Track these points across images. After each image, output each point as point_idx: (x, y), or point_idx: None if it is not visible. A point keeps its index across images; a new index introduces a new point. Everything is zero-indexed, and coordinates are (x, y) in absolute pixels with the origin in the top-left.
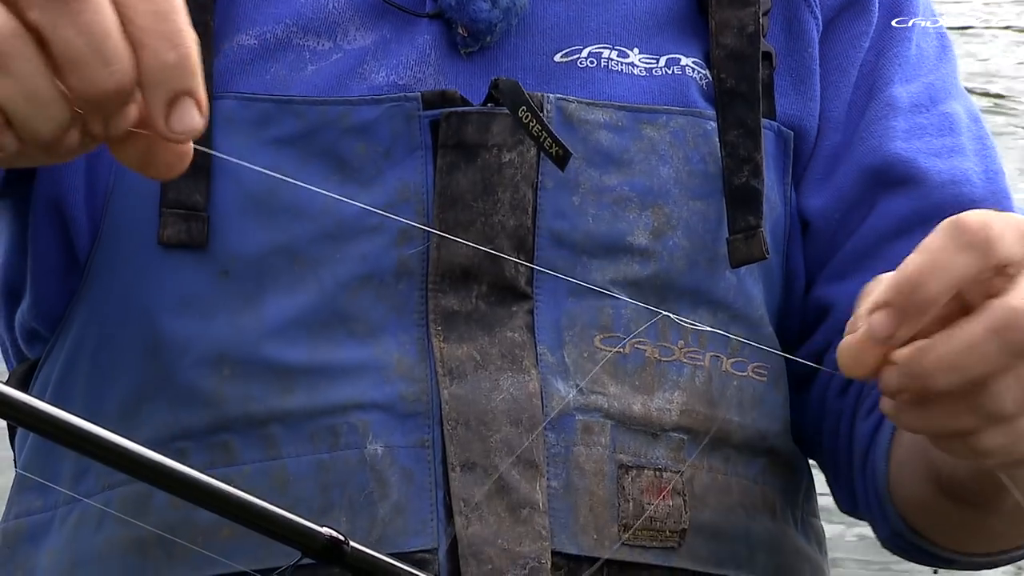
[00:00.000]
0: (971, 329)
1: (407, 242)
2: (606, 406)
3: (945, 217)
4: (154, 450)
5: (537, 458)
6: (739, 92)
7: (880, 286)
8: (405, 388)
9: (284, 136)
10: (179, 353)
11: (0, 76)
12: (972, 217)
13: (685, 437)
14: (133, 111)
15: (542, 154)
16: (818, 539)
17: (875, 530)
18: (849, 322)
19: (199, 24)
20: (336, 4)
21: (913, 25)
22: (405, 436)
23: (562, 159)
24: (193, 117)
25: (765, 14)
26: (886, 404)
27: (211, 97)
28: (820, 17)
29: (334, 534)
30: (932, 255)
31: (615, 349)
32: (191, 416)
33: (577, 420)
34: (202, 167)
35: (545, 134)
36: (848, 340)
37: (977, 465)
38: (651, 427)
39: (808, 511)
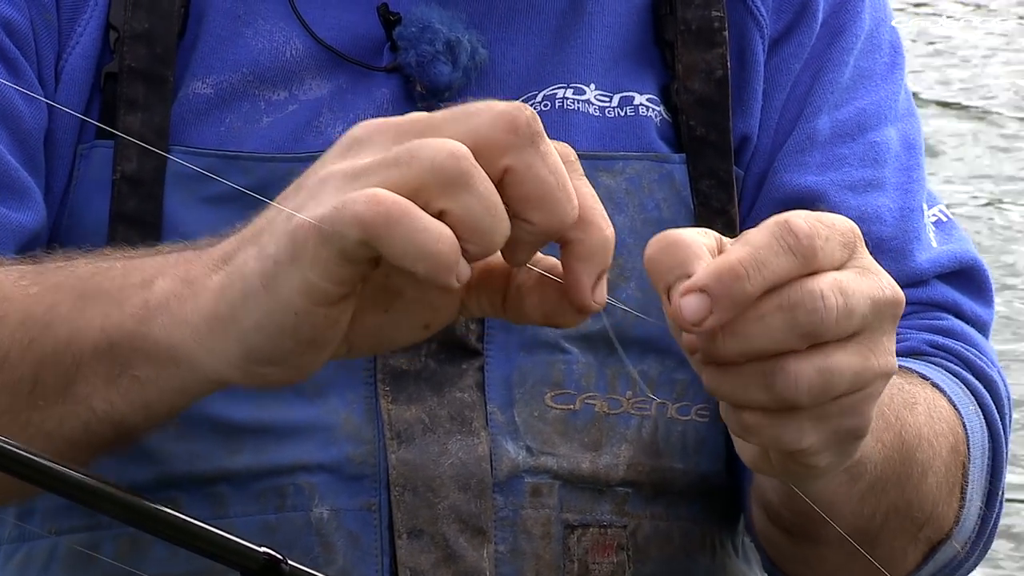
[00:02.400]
0: (763, 302)
1: None
2: (555, 467)
3: None
4: (89, 473)
5: (484, 524)
6: (709, 141)
7: (678, 253)
8: (352, 450)
9: (226, 193)
10: None
11: (465, 192)
12: (801, 221)
13: (629, 491)
14: None
15: None
16: (759, 558)
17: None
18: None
19: (159, 78)
20: (293, 53)
21: (856, 42)
22: (352, 499)
23: None
24: (604, 294)
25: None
26: (695, 361)
27: (167, 150)
28: (767, 37)
29: (272, 553)
30: (756, 251)
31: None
32: (138, 471)
33: (526, 482)
34: (153, 226)
35: None
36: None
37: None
38: (598, 484)
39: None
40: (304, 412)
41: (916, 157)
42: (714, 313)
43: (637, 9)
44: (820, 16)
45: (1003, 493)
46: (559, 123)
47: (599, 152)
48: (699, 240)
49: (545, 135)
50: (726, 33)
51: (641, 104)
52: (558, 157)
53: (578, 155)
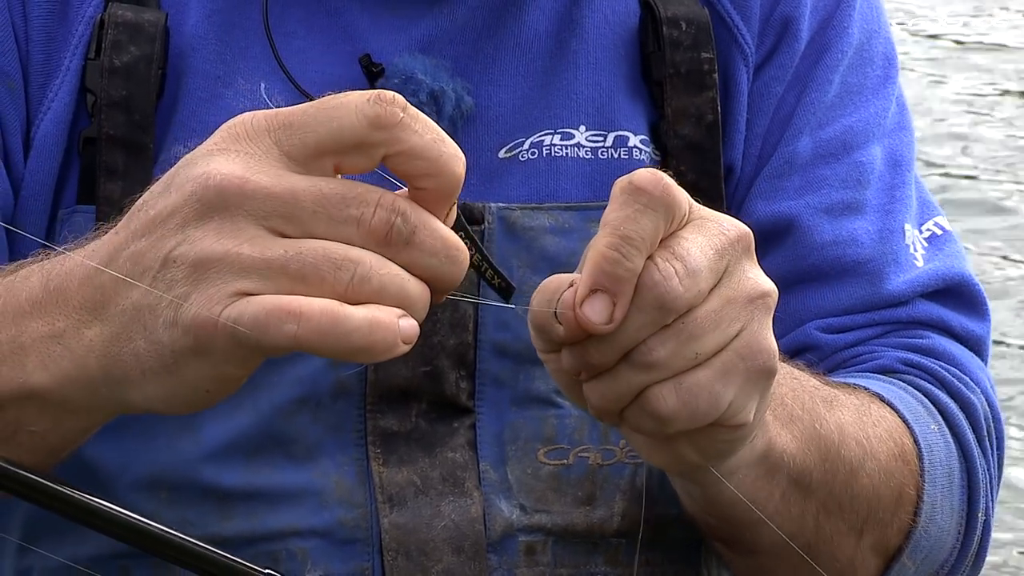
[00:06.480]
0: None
1: (344, 363)
2: (549, 524)
3: (824, 279)
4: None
5: None
6: (700, 188)
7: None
8: (344, 514)
9: None
10: (116, 474)
11: (373, 290)
12: (644, 177)
13: (624, 541)
14: None
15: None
16: None
17: None
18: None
19: (139, 145)
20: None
21: (843, 58)
22: (344, 563)
23: (505, 291)
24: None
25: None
26: (584, 399)
27: None
28: (752, 65)
29: (275, 575)
30: (616, 228)
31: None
32: None
33: (520, 541)
34: None
35: (487, 265)
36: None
37: (682, 469)
38: (592, 537)
39: None
40: (295, 476)
41: (903, 175)
42: (618, 304)
43: (624, 43)
44: (804, 35)
45: (986, 518)
46: (547, 171)
47: (589, 203)
48: (565, 277)
49: (407, 107)
50: (716, 75)
51: (635, 147)
52: (426, 121)
53: (568, 206)
